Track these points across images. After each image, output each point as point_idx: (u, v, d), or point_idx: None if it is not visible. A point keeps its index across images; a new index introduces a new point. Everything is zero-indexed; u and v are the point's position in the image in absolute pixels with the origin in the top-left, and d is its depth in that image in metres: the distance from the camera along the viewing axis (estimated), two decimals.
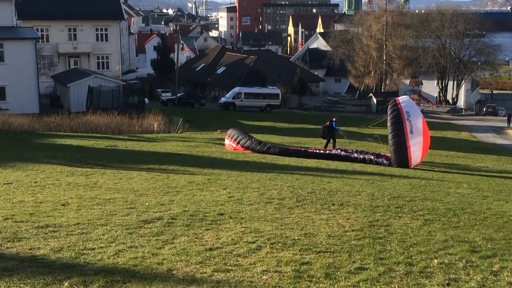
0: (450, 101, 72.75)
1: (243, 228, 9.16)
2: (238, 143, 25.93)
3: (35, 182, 14.11)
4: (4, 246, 7.91)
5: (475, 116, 66.15)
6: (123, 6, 70.73)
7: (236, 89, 58.59)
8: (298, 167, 19.85)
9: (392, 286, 6.83)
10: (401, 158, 22.71)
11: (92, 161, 19.42)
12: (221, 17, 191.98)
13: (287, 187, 13.77)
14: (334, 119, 28.48)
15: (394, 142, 22.87)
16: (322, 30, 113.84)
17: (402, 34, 68.60)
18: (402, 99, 24.98)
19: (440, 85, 73.07)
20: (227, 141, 26.93)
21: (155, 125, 34.34)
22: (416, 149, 22.68)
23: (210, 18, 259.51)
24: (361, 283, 6.84)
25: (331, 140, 28.25)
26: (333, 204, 11.56)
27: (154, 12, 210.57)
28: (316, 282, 6.84)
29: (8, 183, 13.90)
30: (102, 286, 6.49)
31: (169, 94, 61.97)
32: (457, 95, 72.98)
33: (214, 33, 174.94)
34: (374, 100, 65.25)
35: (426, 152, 23.66)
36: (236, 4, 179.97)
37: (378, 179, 16.95)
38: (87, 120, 33.14)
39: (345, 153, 24.80)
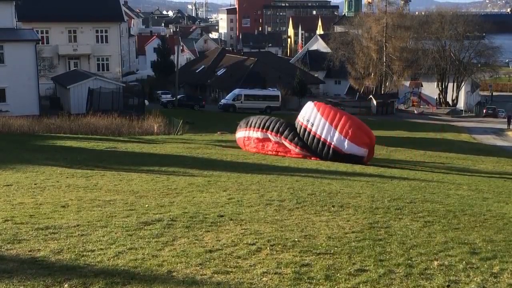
0: (450, 103, 72.80)
1: (243, 230, 9.15)
2: (272, 131, 25.31)
3: (35, 184, 14.11)
4: (4, 248, 7.91)
5: (475, 118, 66.19)
6: (123, 8, 70.86)
7: (236, 91, 58.59)
8: (298, 169, 19.86)
9: None
10: (323, 151, 24.04)
11: (92, 162, 19.41)
12: (221, 18, 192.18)
13: (287, 189, 13.77)
14: None
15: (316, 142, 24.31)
16: (322, 32, 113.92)
17: (402, 36, 68.64)
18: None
19: (440, 87, 73.13)
20: (244, 133, 26.53)
21: (155, 127, 34.34)
22: (327, 132, 23.93)
23: (210, 20, 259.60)
24: (361, 285, 6.84)
25: None
26: (333, 206, 11.55)
27: (154, 14, 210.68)
28: (316, 284, 6.84)
29: (8, 185, 13.89)
30: None
31: (169, 96, 61.97)
32: (457, 97, 73.02)
33: (214, 35, 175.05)
34: (374, 102, 65.28)
35: (358, 128, 24.24)
36: (236, 6, 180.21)
37: (378, 181, 16.95)
38: (87, 122, 33.14)
39: None
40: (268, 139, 25.69)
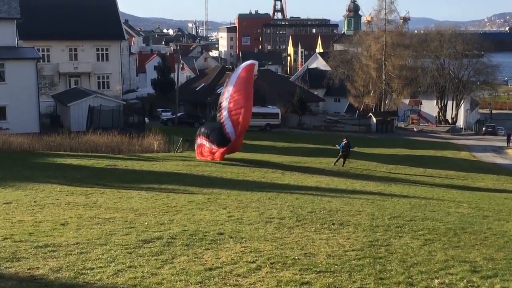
0: (450, 120, 72.90)
1: (243, 248, 9.12)
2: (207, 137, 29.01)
3: (34, 202, 14.09)
4: (3, 266, 7.88)
5: (475, 136, 66.21)
6: (124, 26, 71.12)
7: None
8: (298, 187, 19.86)
9: None
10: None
11: (91, 180, 19.41)
12: (221, 37, 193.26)
13: (287, 207, 13.75)
14: (345, 140, 30.49)
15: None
16: (321, 50, 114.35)
17: (401, 54, 68.93)
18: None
19: (439, 105, 73.29)
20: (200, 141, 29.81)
21: (155, 145, 34.34)
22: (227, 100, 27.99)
23: (210, 38, 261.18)
24: None
25: (340, 155, 30.27)
26: (333, 224, 11.53)
27: (154, 32, 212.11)
28: None
29: (7, 203, 13.87)
30: None
31: (169, 113, 62.09)
32: (456, 114, 73.16)
33: (214, 53, 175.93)
34: (374, 119, 65.40)
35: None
36: (236, 24, 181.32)
37: (378, 199, 16.94)
38: (87, 140, 33.13)
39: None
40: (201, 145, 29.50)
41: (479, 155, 47.97)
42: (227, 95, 28.20)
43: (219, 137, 28.17)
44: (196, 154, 30.00)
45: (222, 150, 28.05)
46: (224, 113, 27.92)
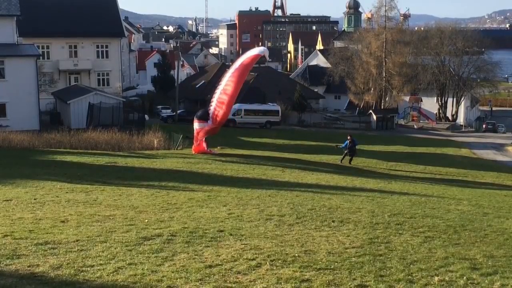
0: (450, 118, 72.86)
1: (243, 245, 9.13)
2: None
3: (34, 199, 14.09)
4: (3, 263, 7.88)
5: (475, 133, 66.19)
6: (124, 23, 71.06)
7: (236, 106, 58.42)
8: (298, 184, 19.86)
9: None
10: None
11: (91, 177, 19.42)
12: (221, 34, 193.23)
13: (287, 204, 13.75)
14: (349, 138, 30.61)
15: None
16: (321, 47, 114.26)
17: (402, 51, 68.89)
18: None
19: (439, 102, 73.25)
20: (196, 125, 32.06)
21: (155, 142, 34.33)
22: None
23: (210, 35, 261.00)
24: None
25: (345, 153, 30.62)
26: (333, 221, 11.53)
27: (154, 29, 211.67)
28: None
29: (7, 200, 13.88)
30: None
31: (169, 111, 62.06)
32: (456, 112, 73.12)
33: (214, 50, 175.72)
34: (374, 117, 65.38)
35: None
36: (236, 22, 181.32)
37: (378, 196, 16.94)
38: (87, 137, 33.13)
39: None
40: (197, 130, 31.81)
41: (479, 152, 47.97)
42: (225, 79, 30.86)
43: (202, 113, 31.90)
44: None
45: (206, 128, 30.75)
46: (216, 95, 30.96)
